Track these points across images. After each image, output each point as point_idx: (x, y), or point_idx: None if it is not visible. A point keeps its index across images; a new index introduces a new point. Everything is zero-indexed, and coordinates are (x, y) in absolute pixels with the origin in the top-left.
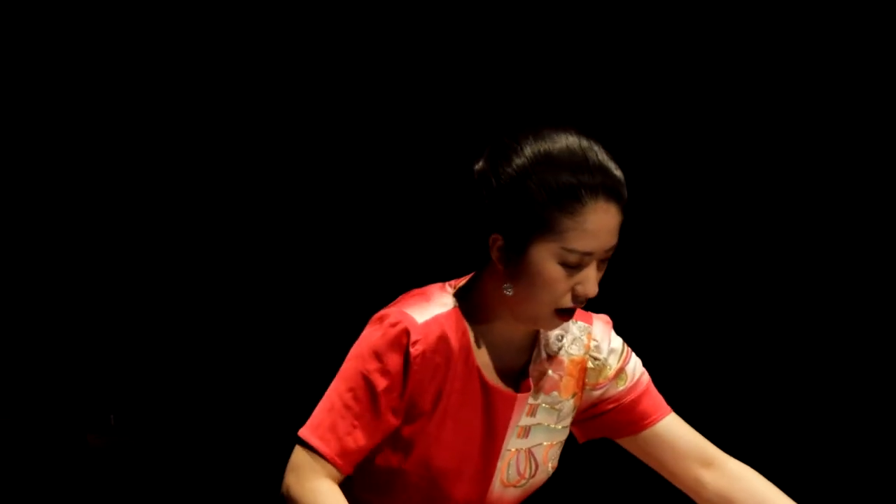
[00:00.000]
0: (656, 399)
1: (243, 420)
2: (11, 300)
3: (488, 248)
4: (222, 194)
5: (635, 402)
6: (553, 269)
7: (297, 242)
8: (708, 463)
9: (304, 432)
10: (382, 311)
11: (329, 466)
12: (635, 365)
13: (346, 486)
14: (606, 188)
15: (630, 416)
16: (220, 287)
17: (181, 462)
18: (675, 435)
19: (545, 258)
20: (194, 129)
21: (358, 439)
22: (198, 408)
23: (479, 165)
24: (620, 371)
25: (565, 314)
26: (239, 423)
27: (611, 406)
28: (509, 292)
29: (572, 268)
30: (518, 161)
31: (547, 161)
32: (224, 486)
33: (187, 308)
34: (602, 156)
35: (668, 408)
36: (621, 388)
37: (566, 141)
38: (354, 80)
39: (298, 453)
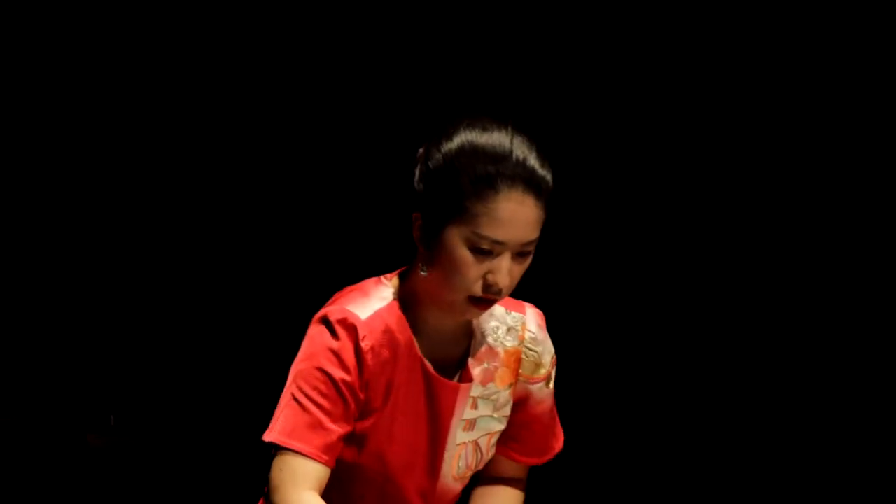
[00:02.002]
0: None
1: (243, 420)
2: (11, 300)
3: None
4: (223, 194)
5: (533, 424)
6: (463, 254)
7: (296, 242)
8: (500, 483)
9: (280, 439)
10: (323, 311)
11: (315, 466)
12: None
13: None
14: (525, 179)
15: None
16: (220, 287)
17: (181, 462)
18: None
19: (457, 242)
20: (194, 129)
21: (335, 433)
22: (198, 408)
23: (421, 148)
24: (549, 375)
25: (480, 303)
26: (239, 423)
27: (524, 416)
28: (424, 273)
29: (484, 255)
30: (448, 146)
31: (473, 149)
32: (224, 486)
33: (187, 308)
34: (530, 151)
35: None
36: (548, 403)
37: (498, 133)
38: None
39: (280, 462)
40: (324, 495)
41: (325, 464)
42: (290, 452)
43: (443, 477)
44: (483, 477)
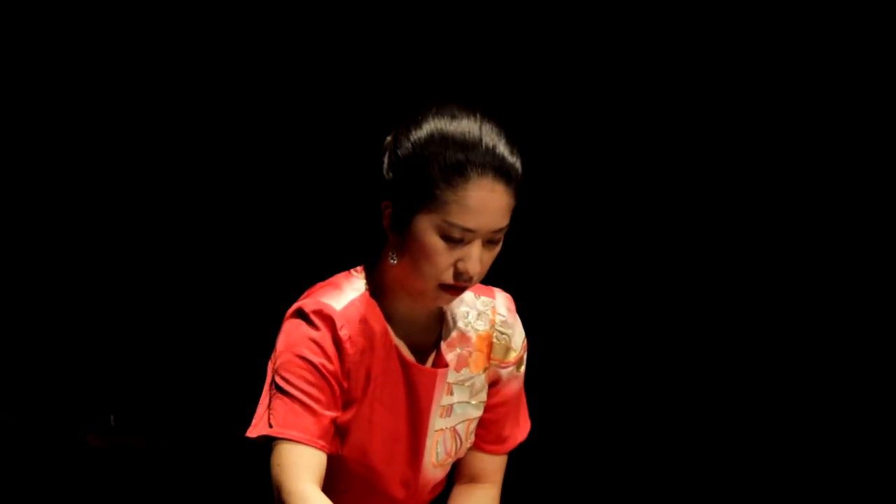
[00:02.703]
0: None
1: (243, 420)
2: (11, 300)
3: (381, 216)
4: (223, 195)
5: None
6: (434, 242)
7: (295, 242)
8: (475, 481)
9: (274, 430)
10: (297, 305)
11: (313, 453)
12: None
13: None
14: (495, 167)
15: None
16: (221, 287)
17: (181, 462)
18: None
19: (427, 230)
20: (193, 129)
21: (326, 417)
22: (198, 408)
23: (389, 136)
24: (520, 359)
25: (451, 290)
26: (239, 423)
27: (496, 401)
28: (394, 261)
29: (454, 243)
30: (417, 134)
31: (442, 137)
32: (224, 486)
33: (187, 308)
34: (499, 139)
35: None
36: (517, 387)
37: (466, 120)
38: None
39: (278, 455)
40: None
41: (322, 449)
42: (287, 443)
43: (424, 465)
44: (458, 475)
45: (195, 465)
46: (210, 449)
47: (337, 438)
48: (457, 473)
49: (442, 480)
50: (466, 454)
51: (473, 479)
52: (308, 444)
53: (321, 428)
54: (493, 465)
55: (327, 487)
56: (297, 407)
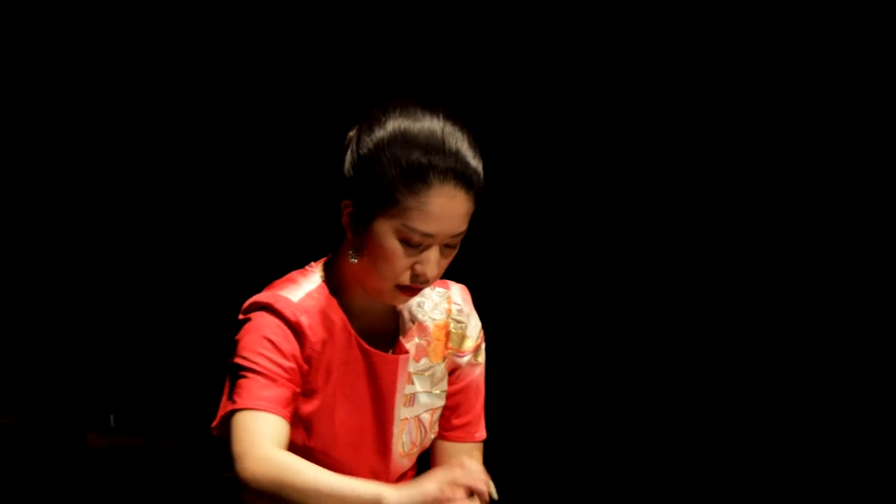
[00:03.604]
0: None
1: None
2: (11, 300)
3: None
4: (223, 195)
5: (462, 402)
6: (393, 245)
7: (293, 242)
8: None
9: (233, 405)
10: (252, 299)
11: (273, 419)
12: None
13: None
14: (457, 174)
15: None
16: (221, 287)
17: (181, 462)
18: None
19: (387, 233)
20: (193, 128)
21: (288, 388)
22: (198, 408)
23: (351, 133)
24: (478, 348)
25: (407, 291)
26: None
27: (457, 386)
28: (353, 260)
29: (413, 247)
30: (378, 134)
31: (404, 138)
32: (223, 486)
33: (187, 308)
34: (462, 142)
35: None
36: (476, 373)
37: (430, 122)
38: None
39: (237, 427)
40: None
41: (283, 416)
42: (246, 412)
43: (393, 454)
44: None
45: (195, 465)
46: (210, 449)
47: (303, 430)
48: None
49: (410, 473)
50: (439, 449)
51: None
52: (268, 412)
53: (281, 396)
54: (468, 455)
55: None
56: (256, 380)
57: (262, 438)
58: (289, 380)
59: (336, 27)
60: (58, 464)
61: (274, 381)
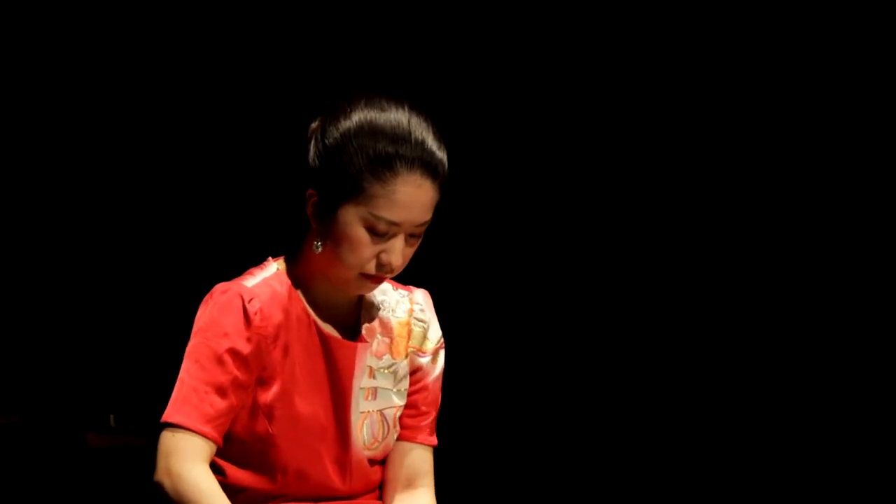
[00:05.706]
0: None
1: None
2: (11, 300)
3: (305, 203)
4: (222, 194)
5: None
6: (359, 233)
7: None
8: (410, 487)
9: (164, 417)
10: (211, 291)
11: (197, 439)
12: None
13: (222, 472)
14: (423, 163)
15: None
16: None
17: None
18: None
19: (352, 221)
20: (191, 129)
21: (215, 403)
22: None
23: (314, 124)
24: (437, 351)
25: (372, 279)
26: None
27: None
28: (318, 250)
29: (379, 235)
30: (344, 124)
31: (371, 128)
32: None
33: (187, 308)
34: (427, 133)
35: (434, 438)
36: (431, 377)
37: (395, 112)
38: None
39: (164, 439)
40: (250, 470)
41: (207, 436)
42: (172, 428)
43: (353, 443)
44: (392, 478)
45: None
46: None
47: (263, 417)
48: (389, 478)
49: (377, 478)
50: (394, 450)
51: (409, 483)
52: (191, 429)
53: (205, 413)
54: (422, 463)
55: (266, 468)
56: (186, 392)
57: (186, 455)
58: (224, 391)
59: (290, 22)
60: (58, 464)
61: (204, 399)
